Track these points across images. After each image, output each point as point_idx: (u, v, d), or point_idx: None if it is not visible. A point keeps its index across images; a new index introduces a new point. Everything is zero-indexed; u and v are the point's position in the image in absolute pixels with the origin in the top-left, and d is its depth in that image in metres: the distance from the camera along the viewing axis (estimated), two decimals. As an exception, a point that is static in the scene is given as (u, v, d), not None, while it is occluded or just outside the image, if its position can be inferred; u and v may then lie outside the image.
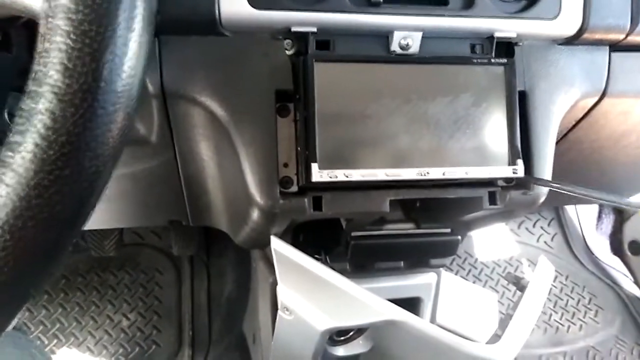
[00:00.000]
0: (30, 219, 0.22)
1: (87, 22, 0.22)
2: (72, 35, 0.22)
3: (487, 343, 0.54)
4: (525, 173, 0.49)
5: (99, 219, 0.70)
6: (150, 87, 0.44)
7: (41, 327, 0.96)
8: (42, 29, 0.23)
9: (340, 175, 0.45)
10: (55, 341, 0.96)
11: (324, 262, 0.63)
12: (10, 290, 0.24)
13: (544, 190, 0.53)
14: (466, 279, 1.31)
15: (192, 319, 1.00)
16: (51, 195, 0.23)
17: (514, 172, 0.48)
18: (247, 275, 0.92)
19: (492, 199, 0.51)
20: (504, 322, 0.56)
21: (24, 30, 0.41)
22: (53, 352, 0.94)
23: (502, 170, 0.48)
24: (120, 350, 0.97)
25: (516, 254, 1.34)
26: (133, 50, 0.24)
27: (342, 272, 0.56)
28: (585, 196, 0.44)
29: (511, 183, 0.52)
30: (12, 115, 0.44)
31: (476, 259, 1.32)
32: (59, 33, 0.22)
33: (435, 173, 0.46)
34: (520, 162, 0.49)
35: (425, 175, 0.46)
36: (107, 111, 0.24)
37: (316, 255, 0.64)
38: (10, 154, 0.23)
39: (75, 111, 0.23)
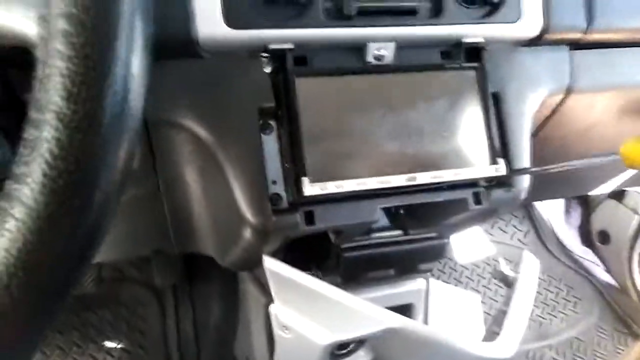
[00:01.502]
0: (44, 254, 0.22)
1: (89, 45, 0.22)
2: (74, 60, 0.22)
3: (485, 341, 0.55)
4: (507, 169, 0.51)
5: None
6: None
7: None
8: (41, 55, 0.22)
9: (332, 187, 0.45)
10: (37, 388, 0.91)
11: (317, 277, 0.63)
12: (26, 329, 0.23)
13: (525, 186, 0.54)
14: (448, 283, 1.33)
15: (179, 350, 0.97)
16: (63, 227, 0.22)
17: (496, 171, 0.50)
18: (233, 300, 0.90)
19: (477, 199, 0.53)
20: (499, 319, 0.57)
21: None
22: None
23: (485, 169, 0.50)
24: (108, 391, 0.93)
25: (493, 254, 1.37)
26: (136, 70, 0.24)
27: (334, 285, 0.56)
28: (568, 167, 0.45)
29: (493, 182, 0.53)
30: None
31: (455, 263, 1.34)
32: (60, 57, 0.22)
33: (423, 178, 0.48)
34: (501, 160, 0.50)
35: (414, 180, 0.47)
36: (115, 135, 0.23)
37: (308, 272, 0.64)
38: (17, 186, 0.22)
39: (83, 137, 0.22)
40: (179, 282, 1.02)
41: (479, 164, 0.50)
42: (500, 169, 0.50)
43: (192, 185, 0.54)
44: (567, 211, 1.51)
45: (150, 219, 0.62)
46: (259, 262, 0.53)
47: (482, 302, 1.27)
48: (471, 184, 0.52)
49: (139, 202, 0.58)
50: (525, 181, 0.55)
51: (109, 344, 0.96)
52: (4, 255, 0.21)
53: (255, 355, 0.73)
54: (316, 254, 0.62)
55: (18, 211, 0.21)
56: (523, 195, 0.55)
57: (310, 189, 0.44)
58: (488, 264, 1.33)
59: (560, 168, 0.45)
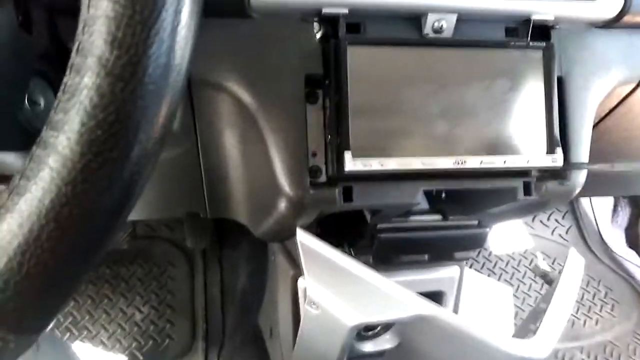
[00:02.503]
0: (76, 206, 0.20)
1: None
2: (121, 1, 0.20)
3: (518, 337, 0.52)
4: (563, 161, 0.47)
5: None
6: None
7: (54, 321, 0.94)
8: None
9: (375, 164, 0.43)
10: (68, 334, 0.94)
11: (349, 255, 0.62)
12: (56, 281, 0.22)
13: (581, 180, 0.51)
14: (480, 272, 1.30)
15: (205, 312, 0.98)
16: (98, 180, 0.21)
17: (553, 161, 0.46)
18: (261, 268, 0.90)
19: (527, 190, 0.49)
20: (536, 316, 0.54)
21: (44, 12, 0.39)
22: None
23: (540, 159, 0.46)
24: (134, 344, 0.95)
25: (530, 247, 1.32)
26: (185, 21, 0.22)
27: (365, 264, 0.55)
28: (632, 168, 0.42)
29: (546, 173, 0.50)
30: (33, 102, 0.42)
31: (490, 252, 1.30)
32: None
33: (472, 162, 0.45)
34: (559, 150, 0.47)
35: (462, 164, 0.44)
36: (158, 87, 0.21)
37: (339, 248, 0.62)
38: (54, 133, 0.20)
39: (125, 86, 0.20)
40: (209, 246, 1.03)
41: (533, 152, 0.47)
42: (557, 160, 0.47)
43: (230, 150, 0.52)
44: (615, 210, 1.43)
45: (186, 181, 0.61)
46: (291, 235, 0.52)
47: (515, 295, 1.24)
48: (522, 172, 0.49)
49: (176, 163, 0.57)
50: (581, 175, 0.51)
51: (138, 300, 0.98)
52: (36, 205, 0.20)
53: (280, 327, 0.73)
54: (350, 231, 0.60)
55: (53, 160, 0.20)
56: (577, 189, 0.51)
57: (352, 164, 0.42)
58: (525, 257, 1.29)
59: (624, 168, 0.41)
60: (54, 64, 0.43)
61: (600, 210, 1.40)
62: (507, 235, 1.32)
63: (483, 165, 0.45)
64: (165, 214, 0.82)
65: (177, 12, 0.22)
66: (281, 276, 0.71)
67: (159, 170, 0.60)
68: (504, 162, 0.45)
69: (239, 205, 0.63)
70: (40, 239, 0.20)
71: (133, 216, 0.82)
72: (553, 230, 1.36)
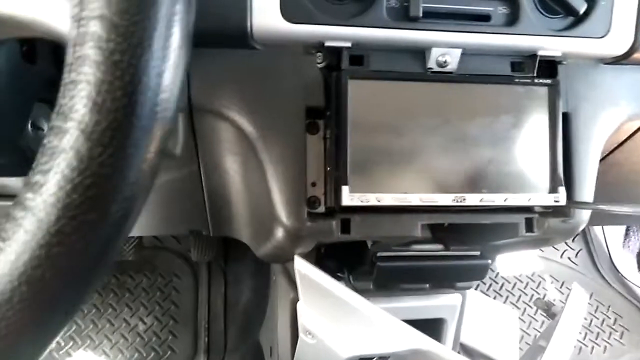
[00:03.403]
0: (49, 268, 0.21)
1: (119, 52, 0.20)
2: (101, 67, 0.20)
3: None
4: (566, 199, 0.47)
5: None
6: None
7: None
8: (68, 58, 0.21)
9: (372, 199, 0.42)
10: (71, 343, 0.95)
11: (347, 281, 0.61)
12: (31, 339, 0.22)
13: (585, 217, 0.50)
14: (487, 294, 1.28)
15: (208, 325, 0.99)
16: (73, 242, 0.21)
17: (555, 201, 0.46)
18: (265, 284, 0.90)
19: (529, 226, 0.49)
20: (536, 354, 0.53)
21: (48, 42, 0.40)
22: (69, 355, 0.93)
23: (542, 197, 0.46)
24: (136, 355, 0.96)
25: (539, 270, 1.30)
26: (168, 81, 0.22)
27: (365, 291, 0.54)
28: (633, 213, 0.41)
29: (549, 209, 0.49)
30: (36, 127, 0.43)
31: (497, 274, 1.28)
32: (87, 64, 0.20)
33: (472, 199, 0.44)
34: (562, 189, 0.46)
35: (461, 201, 0.44)
36: (139, 150, 0.22)
37: (339, 274, 0.62)
38: (30, 195, 0.21)
39: (104, 150, 0.21)
40: (215, 259, 1.03)
41: (536, 189, 0.46)
42: (560, 199, 0.46)
43: (232, 174, 0.53)
44: (627, 234, 1.41)
45: (189, 201, 0.61)
46: (290, 258, 0.52)
47: (521, 319, 1.22)
48: (525, 208, 0.48)
49: (179, 184, 0.58)
50: (585, 212, 0.50)
51: (142, 310, 0.99)
52: (9, 267, 0.20)
53: (279, 347, 0.72)
54: (351, 257, 0.60)
55: (29, 222, 0.20)
56: (581, 226, 0.50)
57: (349, 199, 0.42)
58: (532, 280, 1.27)
59: (630, 210, 0.40)
60: (58, 90, 0.44)
61: (612, 234, 1.37)
62: (515, 257, 1.30)
63: (483, 203, 0.44)
64: (169, 231, 0.82)
65: (160, 75, 0.22)
66: (281, 298, 0.70)
67: (162, 190, 0.60)
68: (505, 199, 0.45)
69: (241, 226, 0.63)
70: (12, 300, 0.20)
71: (136, 232, 0.83)
72: (562, 253, 1.34)
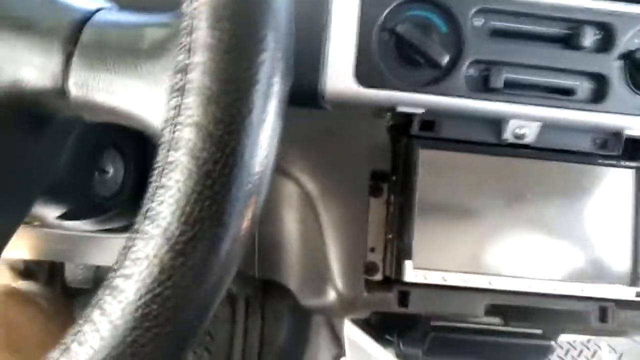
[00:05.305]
0: None
1: (212, 162, 0.20)
2: (194, 176, 0.20)
3: None
4: (649, 293, 0.43)
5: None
6: None
7: None
8: (160, 159, 0.20)
9: (438, 278, 0.40)
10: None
11: (396, 346, 0.58)
12: None
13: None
14: None
15: (242, 361, 0.97)
16: (147, 353, 0.20)
17: (637, 295, 0.42)
18: (304, 324, 0.88)
19: (603, 316, 0.45)
20: None
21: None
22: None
23: (622, 290, 0.42)
24: (168, 385, 0.95)
25: (595, 337, 1.21)
26: (257, 191, 0.21)
27: (415, 357, 0.52)
28: None
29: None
30: (101, 170, 0.43)
31: (548, 336, 1.20)
32: (180, 170, 0.20)
33: (544, 287, 0.41)
34: (644, 283, 0.42)
35: (532, 288, 0.41)
36: (221, 261, 0.21)
37: (387, 336, 0.59)
38: (109, 299, 0.20)
39: (185, 261, 0.20)
40: (254, 292, 1.02)
41: (615, 280, 0.42)
42: (642, 293, 0.42)
43: (288, 226, 0.52)
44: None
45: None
46: (336, 315, 0.50)
47: (571, 390, 1.14)
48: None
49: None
50: (667, 305, 0.45)
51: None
52: None
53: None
54: (402, 319, 0.57)
55: (104, 328, 0.20)
56: (662, 321, 0.46)
57: (412, 275, 0.40)
58: (587, 347, 1.18)
59: None
60: (129, 135, 0.44)
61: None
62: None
63: (554, 292, 0.41)
64: None
65: (249, 183, 0.21)
66: (322, 349, 0.68)
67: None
68: (581, 290, 0.41)
69: (290, 275, 0.62)
70: None
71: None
72: (621, 321, 1.25)
